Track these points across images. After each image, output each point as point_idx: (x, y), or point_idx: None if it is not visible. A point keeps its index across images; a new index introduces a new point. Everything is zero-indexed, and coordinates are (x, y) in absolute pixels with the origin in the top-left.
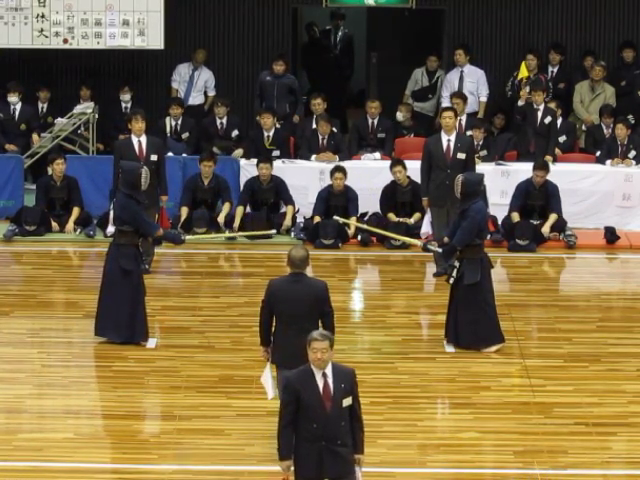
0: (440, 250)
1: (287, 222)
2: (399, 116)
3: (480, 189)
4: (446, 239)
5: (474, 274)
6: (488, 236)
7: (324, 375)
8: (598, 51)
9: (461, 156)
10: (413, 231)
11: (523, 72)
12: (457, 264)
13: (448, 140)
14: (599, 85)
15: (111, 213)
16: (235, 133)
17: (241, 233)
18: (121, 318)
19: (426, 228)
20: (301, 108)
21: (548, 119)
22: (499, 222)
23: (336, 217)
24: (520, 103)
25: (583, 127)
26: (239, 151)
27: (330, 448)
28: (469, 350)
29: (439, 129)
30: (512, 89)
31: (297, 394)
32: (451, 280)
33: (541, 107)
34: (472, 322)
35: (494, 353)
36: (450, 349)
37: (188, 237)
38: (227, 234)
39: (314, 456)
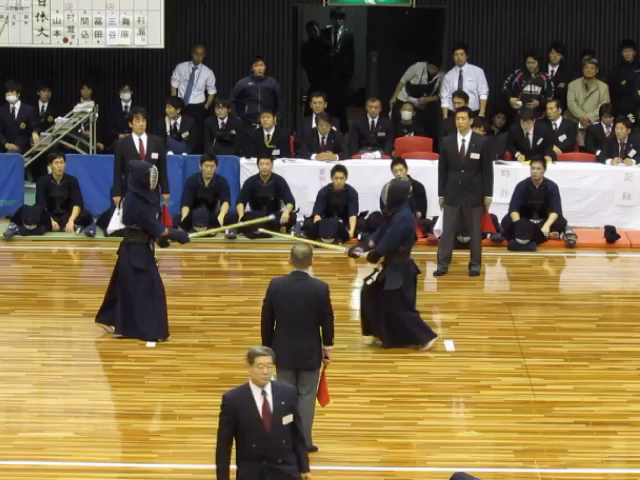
0: (365, 255)
1: (285, 216)
2: (406, 115)
3: (407, 197)
4: (371, 243)
5: (396, 281)
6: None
7: (263, 393)
8: (598, 50)
9: (475, 156)
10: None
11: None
12: (380, 268)
13: (462, 140)
14: (592, 82)
15: (116, 211)
16: (232, 132)
17: (241, 224)
18: (134, 315)
19: (439, 226)
20: (279, 111)
21: (540, 140)
22: (499, 221)
23: (262, 230)
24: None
25: (580, 125)
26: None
27: (271, 467)
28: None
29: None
30: (509, 87)
31: (235, 414)
32: (369, 281)
33: (530, 131)
34: (395, 323)
35: (491, 353)
36: (451, 347)
37: (192, 235)
38: (229, 226)
39: (255, 476)
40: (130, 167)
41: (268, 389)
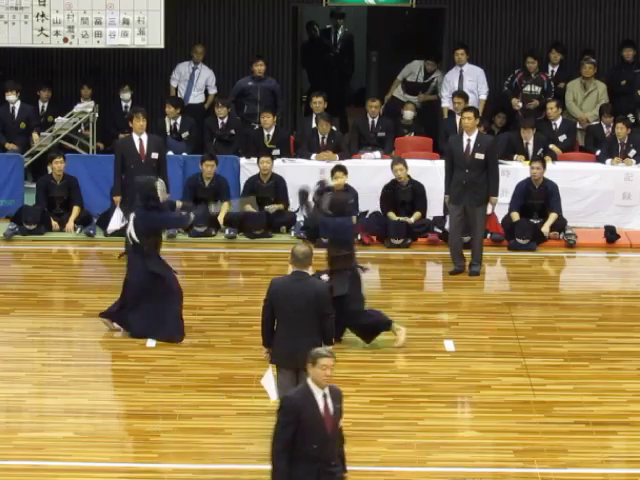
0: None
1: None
2: (407, 115)
3: (347, 209)
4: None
5: (342, 286)
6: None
7: (324, 395)
8: (598, 50)
9: (479, 156)
10: (413, 230)
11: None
12: (327, 277)
13: (468, 140)
14: (590, 82)
15: (116, 211)
16: (231, 132)
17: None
18: (152, 319)
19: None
20: (278, 111)
21: (540, 151)
22: (499, 221)
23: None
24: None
25: (578, 125)
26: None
27: (325, 470)
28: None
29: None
30: (510, 87)
31: (298, 414)
32: None
33: (530, 141)
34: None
35: (492, 353)
36: (451, 347)
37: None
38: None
39: (312, 478)
40: (136, 184)
41: (327, 391)
